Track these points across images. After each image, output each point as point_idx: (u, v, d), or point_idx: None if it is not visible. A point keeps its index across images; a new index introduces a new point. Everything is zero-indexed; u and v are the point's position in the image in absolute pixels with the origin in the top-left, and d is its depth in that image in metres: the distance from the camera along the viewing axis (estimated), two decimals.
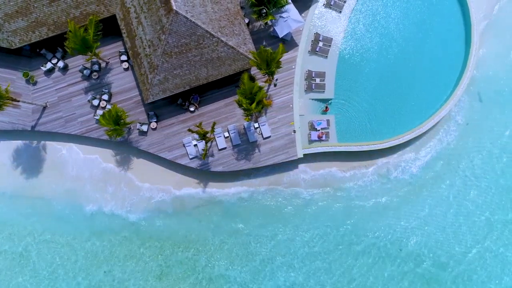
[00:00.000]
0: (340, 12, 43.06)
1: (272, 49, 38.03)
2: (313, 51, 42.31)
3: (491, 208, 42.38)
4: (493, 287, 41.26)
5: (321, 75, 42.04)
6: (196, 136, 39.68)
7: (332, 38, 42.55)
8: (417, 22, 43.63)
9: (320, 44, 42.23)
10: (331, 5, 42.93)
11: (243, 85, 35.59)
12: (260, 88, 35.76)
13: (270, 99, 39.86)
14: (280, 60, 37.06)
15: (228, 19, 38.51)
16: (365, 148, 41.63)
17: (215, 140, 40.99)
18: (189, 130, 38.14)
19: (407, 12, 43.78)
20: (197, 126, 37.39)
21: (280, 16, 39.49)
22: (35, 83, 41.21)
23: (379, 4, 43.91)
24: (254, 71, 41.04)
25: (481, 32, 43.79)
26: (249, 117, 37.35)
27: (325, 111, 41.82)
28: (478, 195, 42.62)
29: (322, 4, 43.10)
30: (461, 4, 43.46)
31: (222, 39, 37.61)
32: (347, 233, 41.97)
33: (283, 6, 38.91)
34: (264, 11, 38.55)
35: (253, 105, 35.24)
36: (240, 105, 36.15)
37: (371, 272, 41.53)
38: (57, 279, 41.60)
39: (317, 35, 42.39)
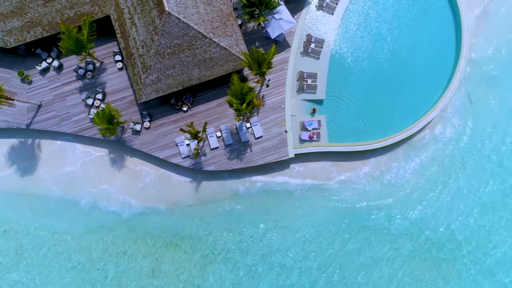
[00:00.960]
0: (332, 14, 43.53)
1: (264, 50, 38.54)
2: (305, 52, 42.78)
3: (480, 206, 43.25)
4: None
5: (313, 76, 42.52)
6: (188, 135, 40.16)
7: (324, 40, 43.02)
8: (408, 23, 44.16)
9: (312, 45, 42.70)
10: (323, 7, 43.39)
11: (233, 86, 36.10)
12: (251, 88, 36.28)
13: (260, 100, 40.30)
14: (271, 61, 37.57)
15: (220, 20, 38.99)
16: (356, 148, 42.12)
17: (208, 140, 41.50)
18: (181, 129, 38.61)
19: (398, 13, 44.28)
20: (189, 126, 37.88)
21: (272, 17, 39.95)
22: (30, 82, 41.73)
23: (370, 5, 44.39)
24: (247, 71, 41.50)
25: (472, 33, 44.45)
26: (240, 117, 37.85)
27: (313, 113, 42.28)
28: (467, 191, 43.60)
29: (315, 6, 43.56)
30: (451, 5, 43.94)
31: (215, 40, 38.11)
32: (337, 228, 42.80)
33: (275, 7, 39.36)
34: (256, 12, 39.00)
35: (244, 105, 35.74)
36: (231, 105, 36.65)
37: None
38: (50, 276, 42.11)
39: (309, 37, 42.85)
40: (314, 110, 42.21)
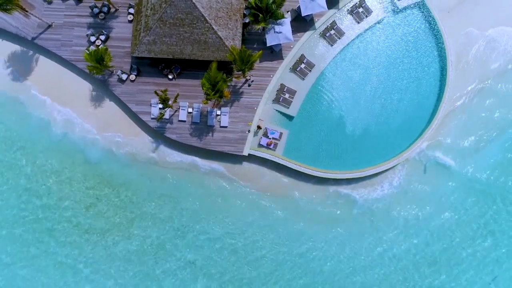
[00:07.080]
0: (332, 45, 46.25)
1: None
2: (294, 69, 45.71)
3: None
4: None
5: (292, 92, 45.42)
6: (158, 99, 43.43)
7: (315, 65, 45.83)
8: (397, 79, 46.73)
9: (302, 65, 45.59)
10: (326, 36, 46.17)
11: (210, 72, 39.36)
12: (223, 79, 39.43)
13: (229, 92, 43.12)
14: (254, 63, 40.68)
15: (227, 12, 42.27)
16: (303, 170, 44.84)
17: (179, 111, 44.85)
18: (155, 92, 42.05)
19: (390, 68, 46.80)
20: (162, 92, 41.30)
21: (273, 27, 43.01)
22: (50, 3, 45.84)
23: (370, 52, 46.96)
24: None
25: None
26: (208, 101, 41.04)
27: (258, 127, 45.14)
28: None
29: (319, 32, 46.36)
30: (441, 81, 46.53)
31: (214, 27, 41.44)
32: (257, 228, 46.08)
33: (279, 19, 42.39)
34: (260, 17, 42.04)
35: (212, 92, 38.97)
36: (202, 87, 39.94)
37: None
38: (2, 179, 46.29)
39: (302, 57, 45.73)
40: (258, 127, 45.02)
